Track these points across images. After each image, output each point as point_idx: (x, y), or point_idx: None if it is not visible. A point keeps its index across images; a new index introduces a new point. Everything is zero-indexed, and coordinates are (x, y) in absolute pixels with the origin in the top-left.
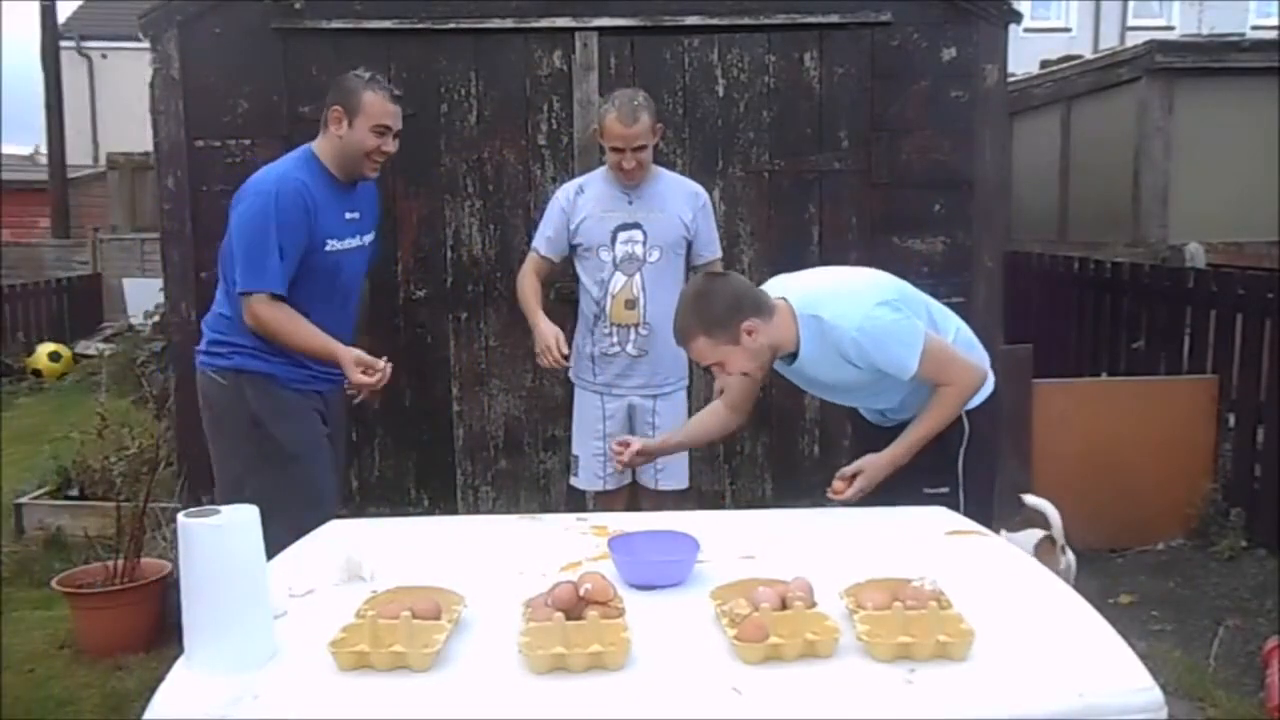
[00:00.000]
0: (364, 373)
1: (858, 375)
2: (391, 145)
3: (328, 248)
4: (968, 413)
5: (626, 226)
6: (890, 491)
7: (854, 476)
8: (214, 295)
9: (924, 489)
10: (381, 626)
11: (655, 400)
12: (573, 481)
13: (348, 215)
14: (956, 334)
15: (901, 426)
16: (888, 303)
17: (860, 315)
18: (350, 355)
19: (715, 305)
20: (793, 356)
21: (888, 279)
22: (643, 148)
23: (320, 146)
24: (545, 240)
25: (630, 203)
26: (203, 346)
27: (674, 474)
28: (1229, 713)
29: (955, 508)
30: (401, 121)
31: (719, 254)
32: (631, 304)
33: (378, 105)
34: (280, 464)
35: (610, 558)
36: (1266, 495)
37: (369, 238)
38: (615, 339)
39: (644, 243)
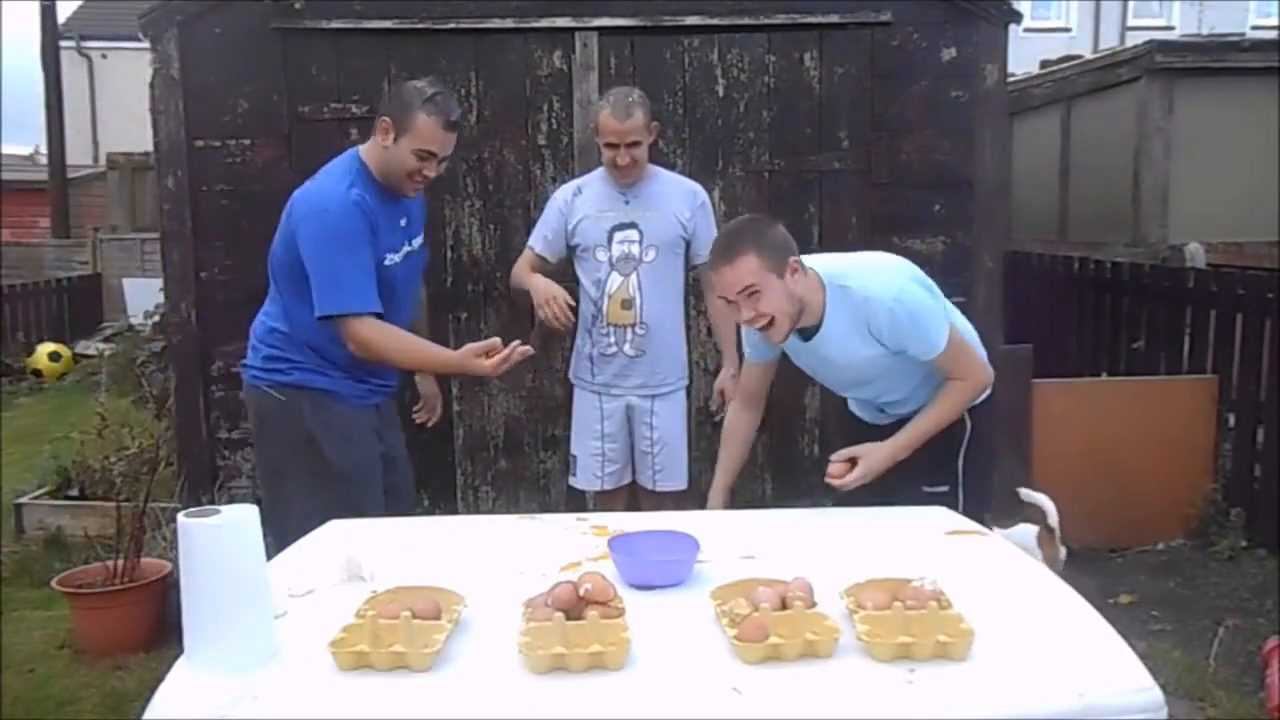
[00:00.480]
0: (490, 356)
1: (875, 355)
2: (434, 170)
3: (387, 262)
4: (969, 411)
5: (623, 226)
6: (889, 489)
7: (851, 462)
8: (219, 297)
9: (923, 487)
10: (381, 626)
11: (653, 400)
12: (571, 481)
13: (401, 222)
14: (963, 333)
15: (894, 425)
16: (918, 280)
17: (896, 288)
18: (469, 356)
19: (772, 232)
20: (809, 333)
21: (911, 264)
22: (636, 144)
23: (367, 152)
24: (541, 239)
25: (627, 202)
26: (255, 361)
27: (673, 474)
28: (1229, 713)
29: (954, 506)
30: (453, 146)
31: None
32: (628, 304)
33: (428, 130)
34: (329, 483)
35: (610, 558)
36: (1266, 495)
37: (419, 240)
38: (612, 339)
39: (640, 242)
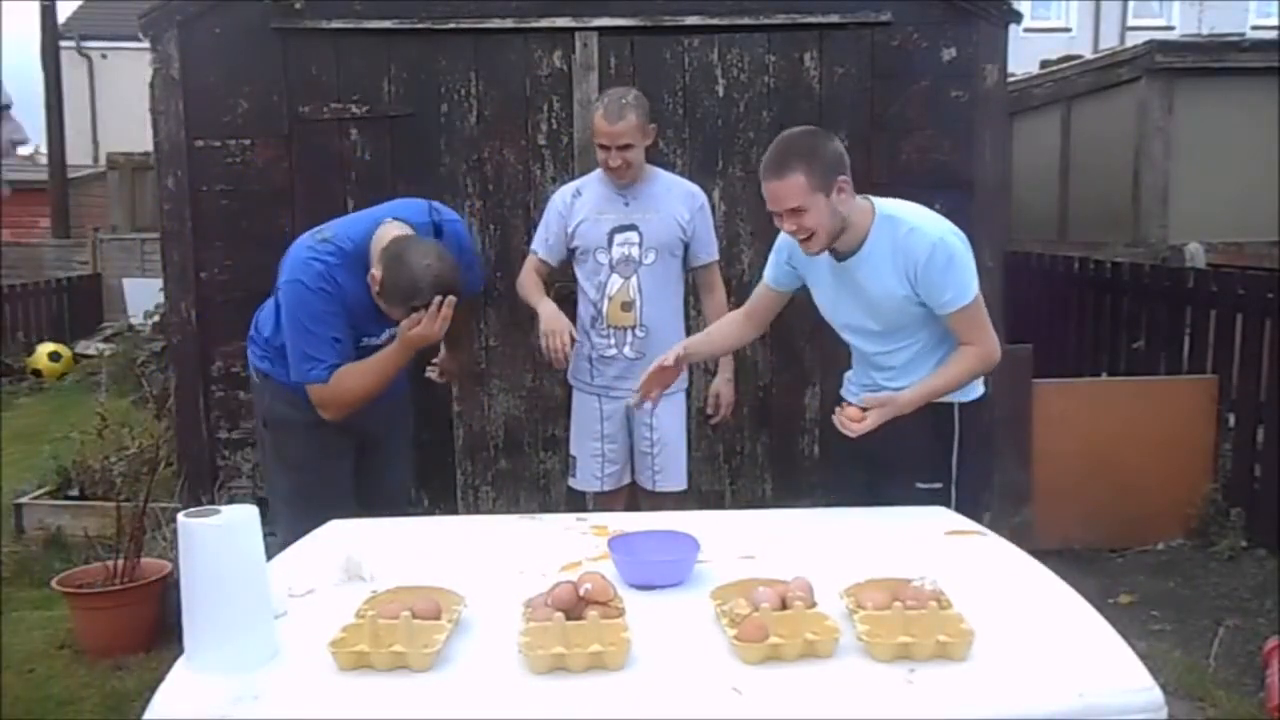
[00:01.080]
0: (419, 321)
1: (901, 297)
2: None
3: (363, 344)
4: (960, 407)
5: (622, 229)
6: (882, 485)
7: (865, 412)
8: (218, 297)
9: (916, 484)
10: (381, 626)
11: (654, 402)
12: (571, 483)
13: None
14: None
15: None
16: (960, 237)
17: (942, 230)
18: (404, 332)
19: (826, 150)
20: (845, 255)
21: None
22: (629, 146)
23: (374, 246)
24: (544, 244)
25: (626, 204)
26: (249, 346)
27: (672, 475)
28: (1229, 713)
29: (946, 503)
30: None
31: (716, 256)
32: (628, 306)
33: (400, 314)
34: (287, 470)
35: (610, 558)
36: (1266, 495)
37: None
38: (612, 341)
39: (640, 244)
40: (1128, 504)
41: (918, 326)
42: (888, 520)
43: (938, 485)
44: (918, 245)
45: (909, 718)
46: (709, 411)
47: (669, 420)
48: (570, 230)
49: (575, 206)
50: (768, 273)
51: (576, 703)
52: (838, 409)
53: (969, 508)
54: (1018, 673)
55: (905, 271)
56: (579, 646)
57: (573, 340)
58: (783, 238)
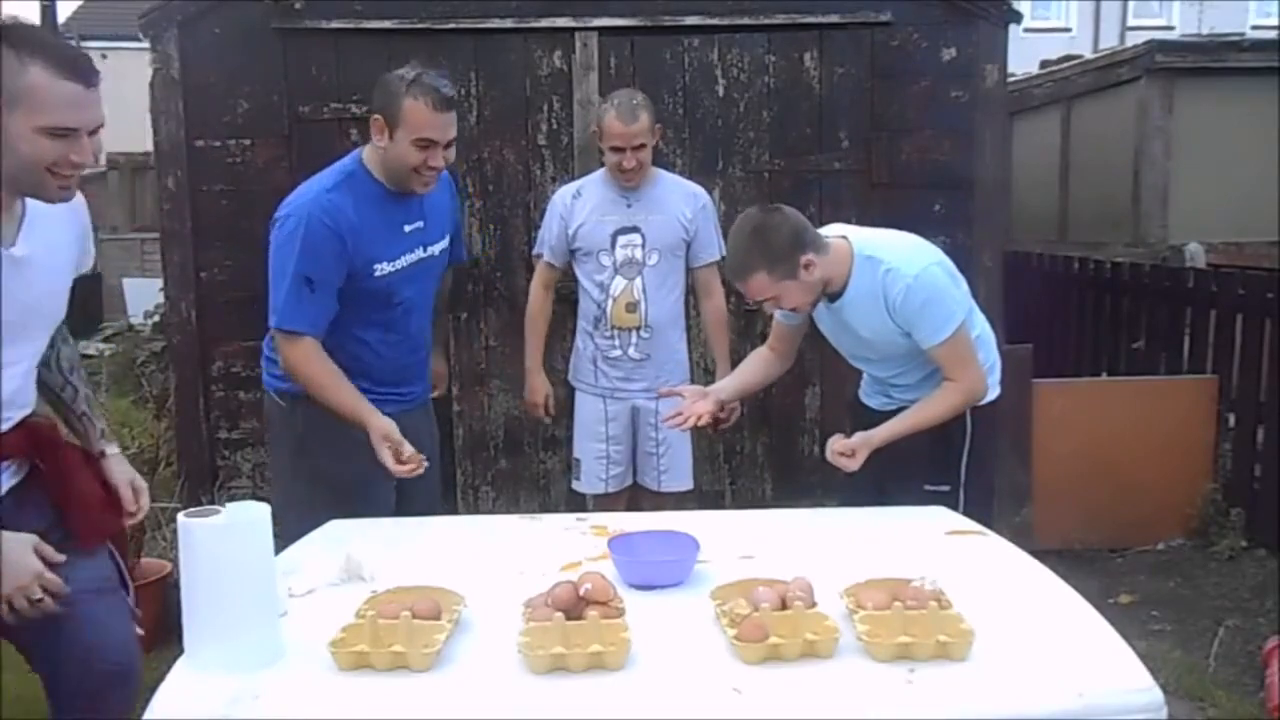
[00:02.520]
0: (397, 459)
1: (890, 331)
2: (440, 160)
3: (377, 273)
4: (971, 411)
5: (626, 230)
6: (890, 488)
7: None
8: (218, 297)
9: (925, 486)
10: (381, 626)
11: (658, 401)
12: (574, 485)
13: (407, 228)
14: (981, 329)
15: (897, 412)
16: (943, 266)
17: (919, 267)
18: (381, 431)
19: (777, 240)
20: (835, 297)
21: (943, 255)
22: (642, 147)
23: (368, 155)
24: (548, 249)
25: (629, 205)
26: (266, 365)
27: (678, 475)
28: (1229, 713)
29: (954, 506)
30: (455, 128)
31: (718, 257)
32: (632, 307)
33: (419, 115)
34: (327, 493)
35: (610, 558)
36: (1266, 495)
37: (439, 246)
38: (617, 342)
39: (643, 246)
40: (1128, 504)
41: (917, 354)
42: (888, 520)
43: (946, 488)
44: (893, 285)
45: (909, 718)
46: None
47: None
48: (571, 232)
49: (576, 208)
50: (776, 313)
51: (576, 703)
52: (830, 443)
53: (977, 511)
54: (1018, 673)
55: (887, 310)
56: (579, 646)
57: (547, 412)
58: None
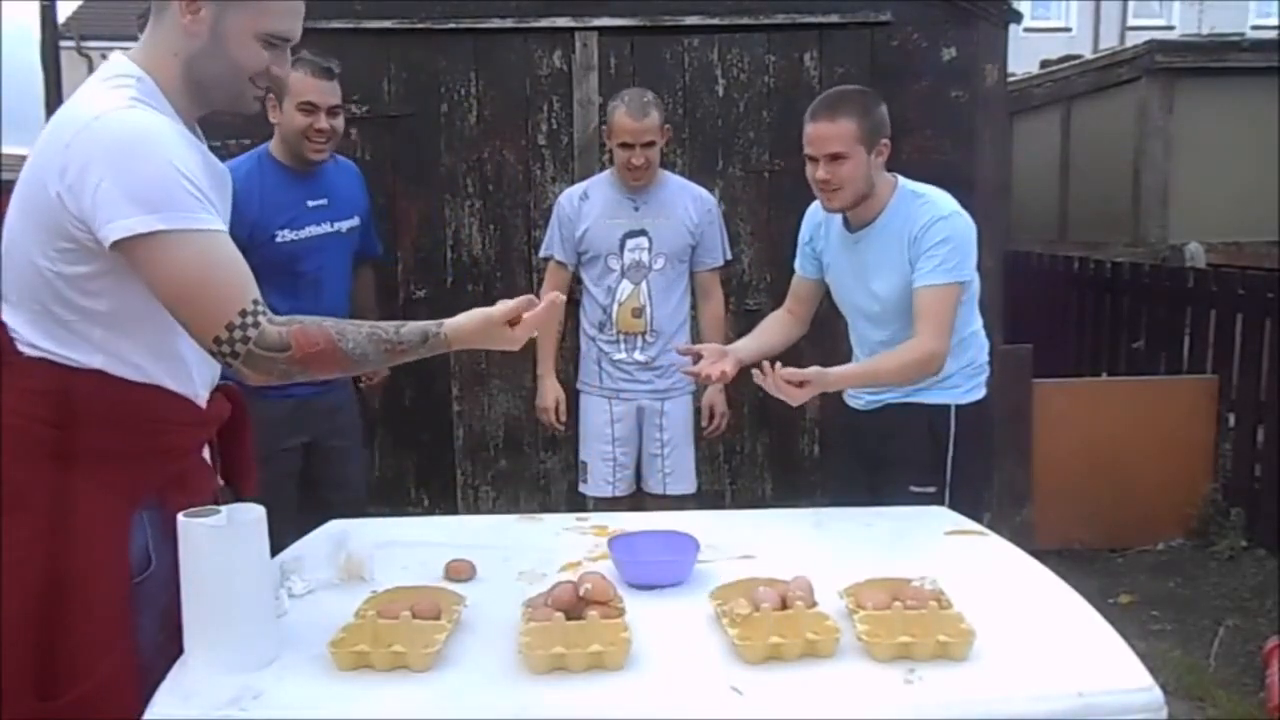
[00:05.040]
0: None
1: (899, 274)
2: (326, 123)
3: (279, 239)
4: (957, 410)
5: (633, 234)
6: (878, 487)
7: (801, 384)
8: None
9: (911, 487)
10: (381, 626)
11: (663, 402)
12: (581, 489)
13: (310, 203)
14: (977, 329)
15: (882, 411)
16: (971, 227)
17: (954, 210)
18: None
19: (879, 112)
20: (859, 227)
21: None
22: (651, 144)
23: (274, 144)
24: (559, 248)
25: (636, 209)
26: None
27: (682, 477)
28: (1229, 713)
29: (941, 505)
30: (338, 95)
31: (722, 261)
32: (638, 313)
33: (300, 83)
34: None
35: (610, 558)
36: (1266, 495)
37: (347, 224)
38: (622, 346)
39: (650, 250)
40: (1128, 504)
41: (909, 317)
42: (888, 520)
43: (932, 489)
44: (924, 214)
45: (909, 718)
46: (704, 424)
47: (678, 421)
48: (579, 235)
49: (583, 210)
50: (797, 261)
51: (576, 703)
52: (778, 370)
53: (965, 512)
54: (1017, 673)
55: (906, 238)
56: (579, 646)
57: (558, 418)
58: (806, 221)
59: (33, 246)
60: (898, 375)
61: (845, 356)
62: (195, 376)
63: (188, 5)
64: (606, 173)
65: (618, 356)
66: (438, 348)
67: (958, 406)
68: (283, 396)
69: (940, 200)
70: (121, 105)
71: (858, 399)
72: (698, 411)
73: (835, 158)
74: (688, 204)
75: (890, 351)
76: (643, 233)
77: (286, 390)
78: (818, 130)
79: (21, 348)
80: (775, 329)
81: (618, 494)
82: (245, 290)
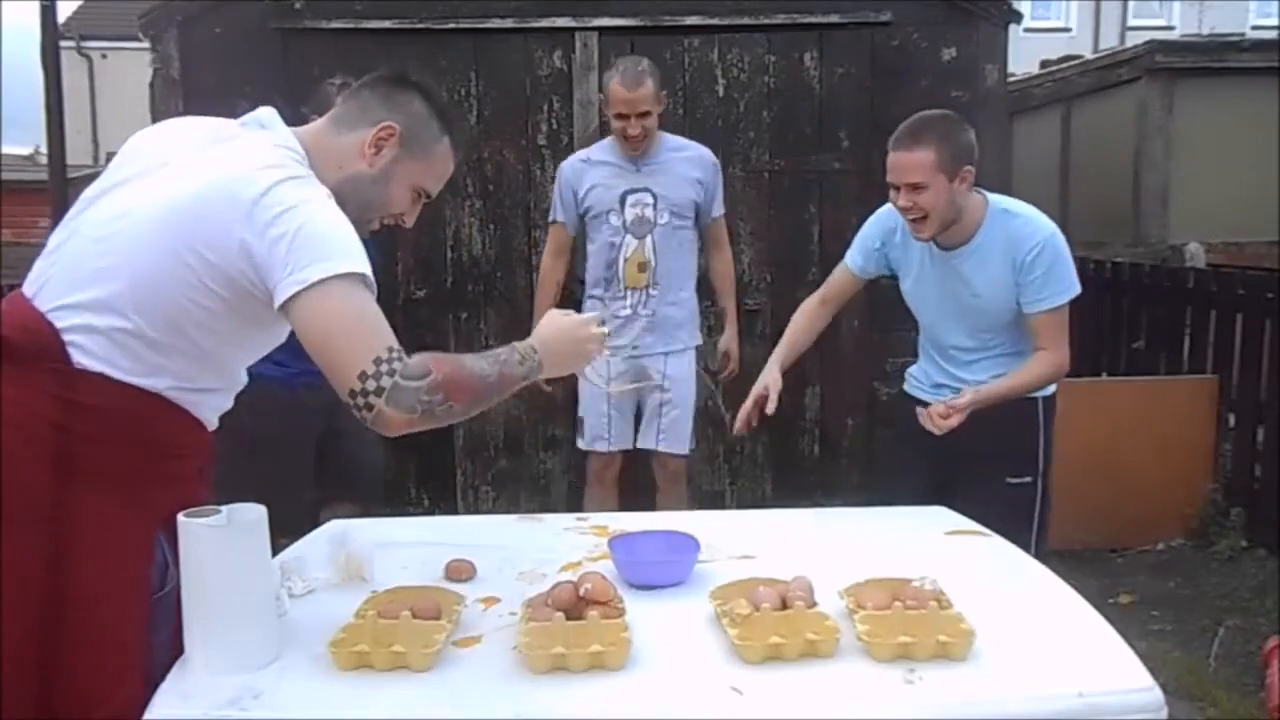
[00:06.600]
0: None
1: (1004, 287)
2: None
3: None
4: (1044, 401)
5: (635, 190)
6: (962, 483)
7: (949, 409)
8: None
9: (1008, 479)
10: (381, 626)
11: (666, 358)
12: (579, 444)
13: None
14: None
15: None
16: (1064, 241)
17: (1053, 228)
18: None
19: (962, 137)
20: (952, 247)
21: None
22: (647, 114)
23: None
24: (562, 212)
25: (638, 170)
26: None
27: (678, 437)
28: (1229, 713)
29: (1033, 497)
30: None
31: (723, 211)
32: (643, 266)
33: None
34: (249, 451)
35: (610, 558)
36: (1266, 495)
37: None
38: (628, 302)
39: (654, 205)
40: (1128, 504)
41: (1005, 327)
42: (888, 520)
43: (1028, 479)
44: (1031, 237)
45: (909, 718)
46: (717, 368)
47: (680, 379)
48: (581, 195)
49: (585, 173)
50: (853, 258)
51: (576, 703)
52: (920, 410)
53: (1051, 503)
54: (1018, 673)
55: (1014, 260)
56: (579, 646)
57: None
58: (876, 224)
59: (176, 281)
60: (1034, 386)
61: (844, 356)
62: (222, 405)
63: (375, 140)
64: (608, 140)
65: (624, 313)
66: (529, 356)
67: (1044, 399)
68: (301, 386)
69: (1036, 220)
70: (304, 174)
71: (939, 394)
72: (709, 371)
73: (916, 187)
74: (690, 164)
75: (1024, 368)
76: (646, 190)
77: (305, 378)
78: (898, 159)
79: (80, 360)
80: (807, 326)
81: (613, 448)
82: (388, 332)
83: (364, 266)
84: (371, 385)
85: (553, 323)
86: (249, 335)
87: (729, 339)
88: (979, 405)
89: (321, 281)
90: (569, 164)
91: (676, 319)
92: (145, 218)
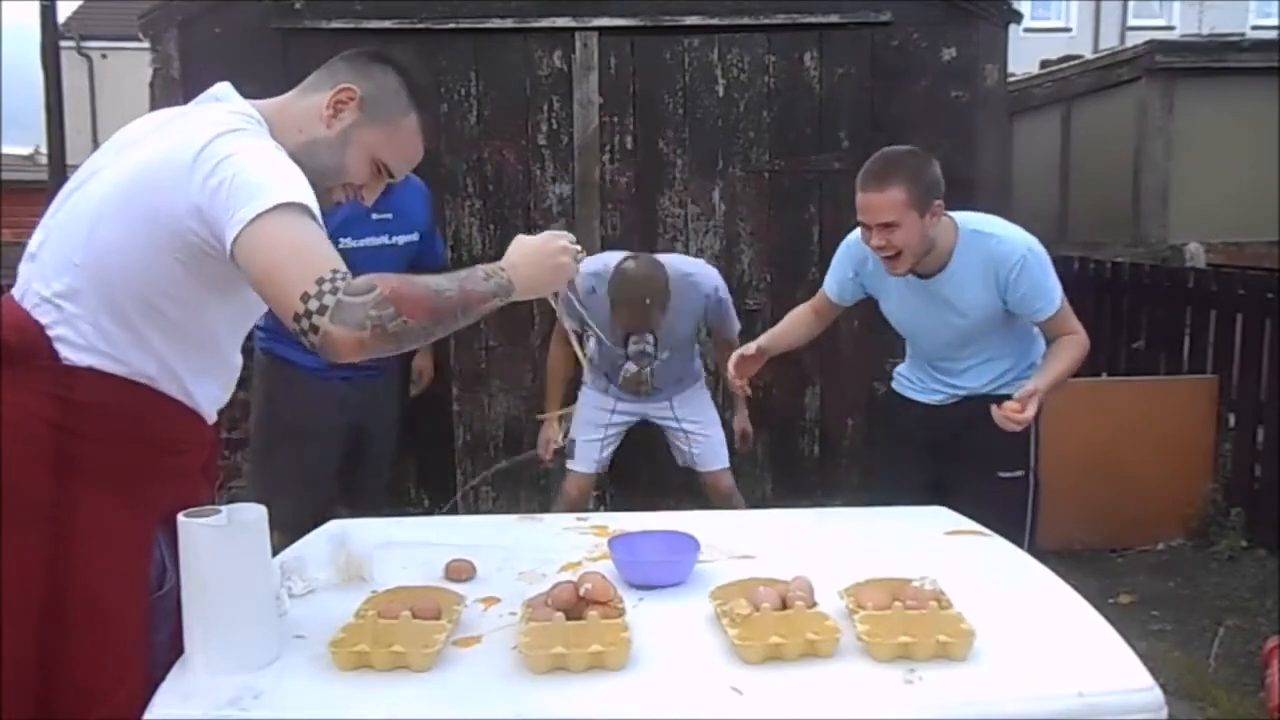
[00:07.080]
0: None
1: (989, 306)
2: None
3: (340, 244)
4: None
5: (638, 336)
6: (957, 478)
7: (1022, 401)
8: None
9: (999, 474)
10: (381, 626)
11: (672, 402)
12: (568, 464)
13: (375, 216)
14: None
15: (953, 406)
16: (1040, 246)
17: (1029, 240)
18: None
19: (929, 172)
20: (929, 274)
21: None
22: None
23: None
24: (568, 318)
25: None
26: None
27: (714, 456)
28: (1229, 713)
29: (1025, 492)
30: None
31: (735, 331)
32: (641, 384)
33: None
34: (283, 441)
35: (610, 558)
36: (1266, 495)
37: (404, 239)
38: (626, 395)
39: (655, 345)
40: (1128, 504)
41: (995, 334)
42: (888, 520)
43: (1020, 473)
44: (1008, 257)
45: (909, 718)
46: (735, 447)
47: (696, 411)
48: (584, 315)
49: (591, 303)
50: (830, 286)
51: (576, 703)
52: (995, 407)
53: (1042, 496)
54: (1018, 673)
55: (997, 282)
56: (579, 646)
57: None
58: (846, 255)
59: (134, 252)
60: (1078, 365)
61: (843, 354)
62: (218, 396)
63: (333, 102)
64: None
65: (623, 405)
66: (494, 273)
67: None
68: (338, 379)
69: (1010, 236)
70: (247, 127)
71: (931, 395)
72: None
73: (888, 226)
74: (693, 300)
75: (1062, 353)
76: (647, 335)
77: (342, 372)
78: (869, 200)
79: (67, 354)
80: (801, 326)
81: (596, 470)
82: (334, 255)
83: (304, 197)
84: (314, 305)
85: (520, 243)
86: (222, 305)
87: (744, 419)
88: (1045, 395)
89: (258, 216)
90: (582, 285)
91: (677, 368)
92: (101, 198)
